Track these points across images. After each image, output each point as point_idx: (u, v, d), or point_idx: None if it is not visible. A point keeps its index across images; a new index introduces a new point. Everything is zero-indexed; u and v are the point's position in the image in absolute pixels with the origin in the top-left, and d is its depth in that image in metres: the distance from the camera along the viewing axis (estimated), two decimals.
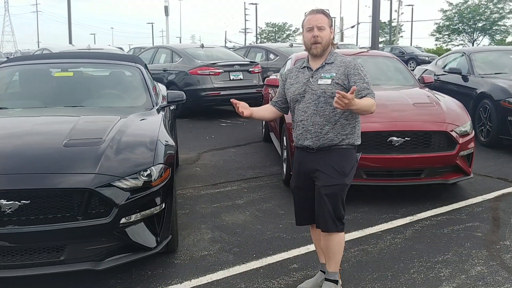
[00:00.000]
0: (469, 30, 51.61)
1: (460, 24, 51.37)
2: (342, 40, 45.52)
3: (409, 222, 4.52)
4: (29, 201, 2.99)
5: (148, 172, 3.31)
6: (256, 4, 68.75)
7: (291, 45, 13.43)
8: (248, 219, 4.64)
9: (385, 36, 61.09)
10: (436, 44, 53.13)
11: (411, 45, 49.02)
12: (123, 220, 3.17)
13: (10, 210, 2.96)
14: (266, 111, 3.32)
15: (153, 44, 55.37)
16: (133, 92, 4.92)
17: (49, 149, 3.34)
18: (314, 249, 3.50)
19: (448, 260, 3.76)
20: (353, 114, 3.00)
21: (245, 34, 78.11)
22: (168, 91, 5.10)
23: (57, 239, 3.08)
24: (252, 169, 6.41)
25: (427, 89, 6.31)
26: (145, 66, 5.38)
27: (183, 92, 5.01)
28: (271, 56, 12.97)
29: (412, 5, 64.27)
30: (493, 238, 4.19)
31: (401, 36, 67.30)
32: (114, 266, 3.22)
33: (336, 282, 3.13)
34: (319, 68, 3.02)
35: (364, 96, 2.89)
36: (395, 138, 4.78)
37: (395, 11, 61.13)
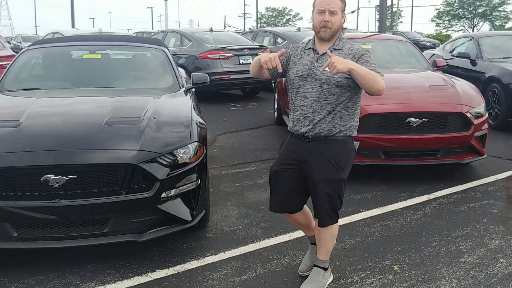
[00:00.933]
0: (469, 16, 51.56)
1: (460, 10, 51.32)
2: None
3: (427, 200, 4.70)
4: (75, 176, 3.14)
5: (185, 149, 3.47)
6: None
7: (299, 29, 13.46)
8: None
9: None
10: (436, 30, 53.12)
11: (411, 30, 48.97)
12: (163, 195, 3.33)
13: (57, 184, 3.12)
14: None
15: (152, 29, 55.10)
16: (160, 74, 5.05)
17: (92, 127, 3.49)
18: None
19: (467, 235, 3.94)
20: (353, 104, 2.90)
21: (244, 19, 77.71)
22: (193, 73, 5.22)
23: (101, 212, 3.24)
24: (268, 151, 6.56)
25: (440, 72, 6.46)
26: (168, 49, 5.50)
27: (207, 75, 5.14)
28: (279, 40, 13.01)
29: None
30: (508, 214, 4.38)
31: (401, 22, 67.19)
32: (155, 238, 3.39)
33: (325, 269, 3.10)
34: (325, 53, 2.85)
35: None
36: (413, 119, 4.93)
37: None
